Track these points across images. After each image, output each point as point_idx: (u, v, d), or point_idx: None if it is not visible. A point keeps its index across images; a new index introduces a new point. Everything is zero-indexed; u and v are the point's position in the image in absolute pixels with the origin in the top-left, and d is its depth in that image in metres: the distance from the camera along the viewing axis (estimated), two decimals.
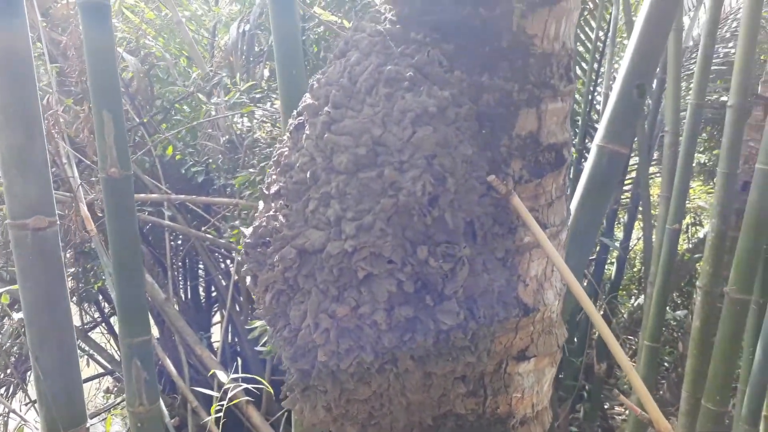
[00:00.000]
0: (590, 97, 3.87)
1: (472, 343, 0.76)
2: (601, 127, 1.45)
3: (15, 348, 4.66)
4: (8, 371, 4.59)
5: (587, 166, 1.44)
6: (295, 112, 0.81)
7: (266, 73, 4.38)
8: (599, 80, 3.91)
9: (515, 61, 0.76)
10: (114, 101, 1.72)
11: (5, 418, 3.83)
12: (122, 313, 1.83)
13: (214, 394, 1.85)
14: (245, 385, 1.89)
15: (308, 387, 0.84)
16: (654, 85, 3.65)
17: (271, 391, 2.01)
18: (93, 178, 3.63)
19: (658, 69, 3.20)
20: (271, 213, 0.77)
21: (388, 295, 0.72)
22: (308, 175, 0.75)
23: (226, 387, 1.85)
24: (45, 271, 1.48)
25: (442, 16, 0.75)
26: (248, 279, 0.81)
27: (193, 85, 4.12)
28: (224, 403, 1.86)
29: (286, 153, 0.79)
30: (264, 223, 0.78)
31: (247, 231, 0.81)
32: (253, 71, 4.42)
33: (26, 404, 4.51)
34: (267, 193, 0.81)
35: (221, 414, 1.88)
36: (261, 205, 0.83)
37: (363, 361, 0.77)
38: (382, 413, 0.85)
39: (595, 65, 3.87)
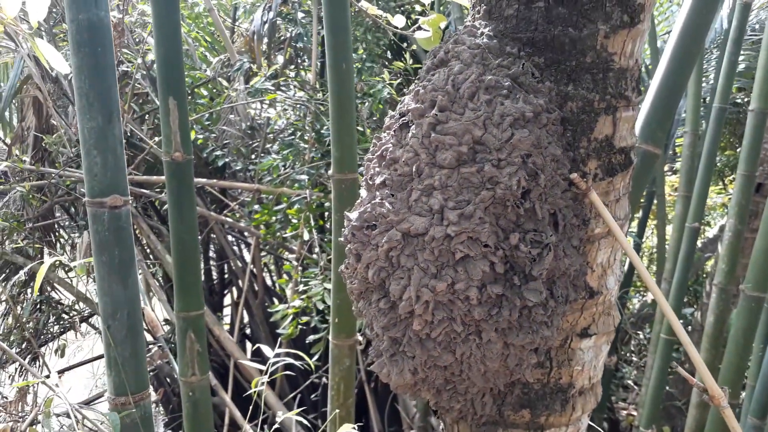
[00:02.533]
0: None
1: (549, 320, 0.88)
2: (636, 127, 1.54)
3: (31, 324, 4.77)
4: (23, 345, 4.71)
5: None
6: (396, 113, 0.93)
7: (281, 60, 4.47)
8: None
9: (597, 75, 0.87)
10: (179, 89, 1.82)
11: (35, 388, 3.95)
12: (179, 289, 1.95)
13: (262, 368, 1.97)
14: (289, 360, 2.01)
15: (397, 353, 0.95)
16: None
17: (312, 366, 2.13)
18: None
19: None
20: (377, 200, 0.89)
21: (481, 274, 0.84)
22: (413, 169, 0.86)
23: (271, 361, 1.97)
24: (118, 246, 1.59)
25: (535, 34, 0.87)
26: (350, 257, 0.93)
27: (213, 70, 4.20)
28: (266, 378, 1.97)
29: (390, 149, 0.90)
30: (369, 209, 0.90)
31: (352, 215, 0.92)
32: (274, 58, 4.52)
33: (46, 376, 4.62)
34: (371, 183, 0.92)
35: (263, 387, 1.99)
36: (364, 193, 0.95)
37: (452, 331, 0.89)
38: (460, 379, 0.96)
39: None
